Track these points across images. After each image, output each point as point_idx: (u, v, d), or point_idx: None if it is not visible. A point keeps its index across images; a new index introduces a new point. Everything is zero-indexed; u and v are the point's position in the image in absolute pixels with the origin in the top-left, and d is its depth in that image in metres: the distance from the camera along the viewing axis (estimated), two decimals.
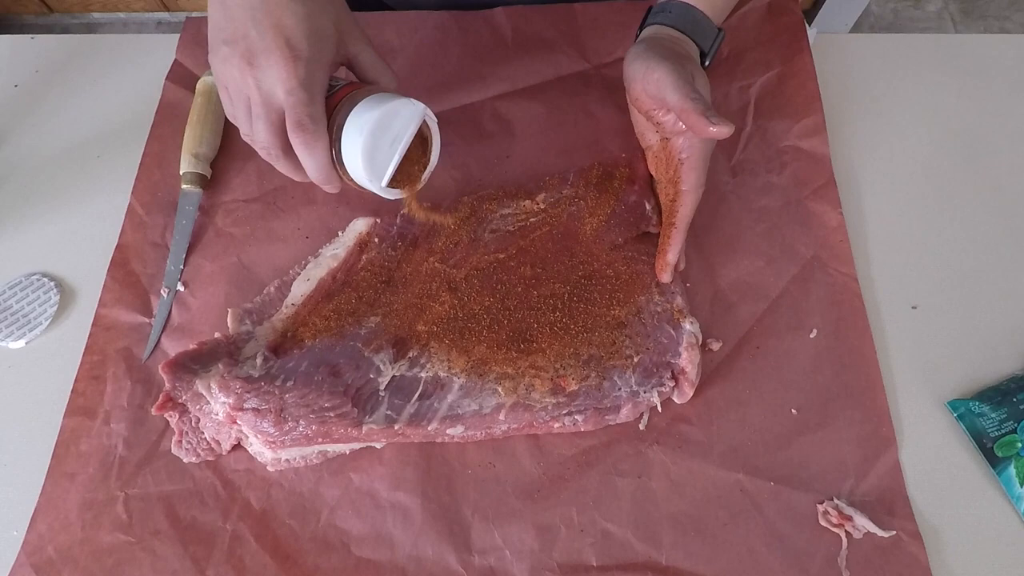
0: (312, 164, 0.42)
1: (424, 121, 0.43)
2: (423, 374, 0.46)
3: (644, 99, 0.49)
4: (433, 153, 0.45)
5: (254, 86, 0.41)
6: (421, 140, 0.44)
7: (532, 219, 0.52)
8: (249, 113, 0.43)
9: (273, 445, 0.45)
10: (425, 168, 0.45)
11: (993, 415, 0.47)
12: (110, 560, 0.45)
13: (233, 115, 0.44)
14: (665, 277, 0.51)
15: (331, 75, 0.44)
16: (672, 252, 0.50)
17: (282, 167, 0.45)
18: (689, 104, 0.45)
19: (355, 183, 0.44)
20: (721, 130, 0.44)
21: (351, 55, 0.45)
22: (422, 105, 0.42)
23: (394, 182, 0.43)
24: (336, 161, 0.43)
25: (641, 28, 0.53)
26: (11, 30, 1.67)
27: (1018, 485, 0.45)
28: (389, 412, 0.45)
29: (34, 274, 0.55)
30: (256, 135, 0.43)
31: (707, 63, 0.52)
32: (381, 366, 0.46)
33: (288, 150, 0.43)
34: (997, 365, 0.50)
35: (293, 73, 0.40)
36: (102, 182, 0.59)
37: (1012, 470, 0.45)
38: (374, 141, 0.41)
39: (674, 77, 0.46)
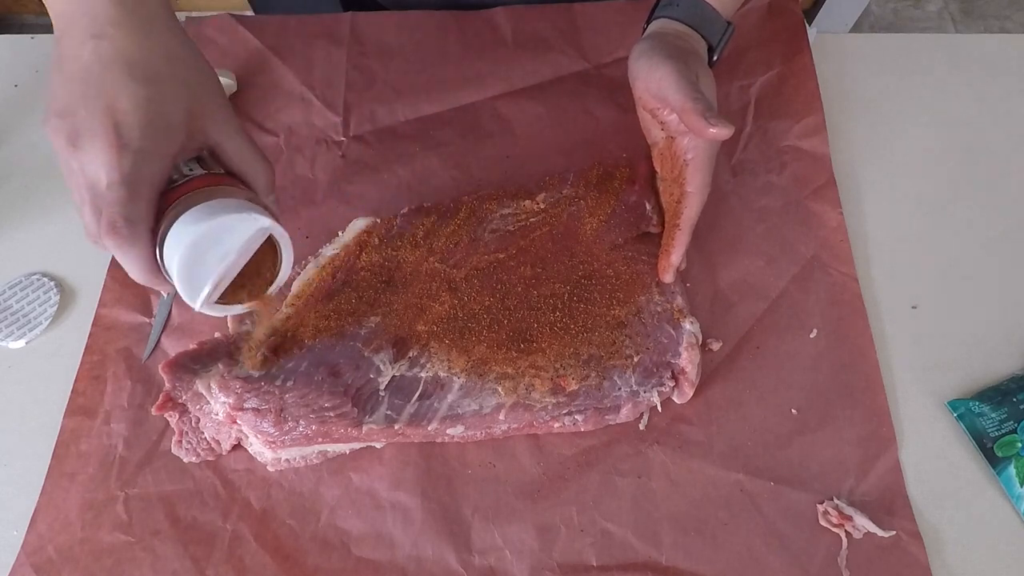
0: (128, 268, 0.37)
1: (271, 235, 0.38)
2: (423, 374, 0.46)
3: (647, 98, 0.49)
4: (282, 270, 0.40)
5: (78, 169, 0.37)
6: (272, 250, 0.39)
7: (532, 219, 0.52)
8: (78, 189, 0.38)
9: (273, 445, 0.45)
10: (271, 283, 0.40)
11: (993, 415, 0.47)
12: (110, 560, 0.45)
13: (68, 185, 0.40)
14: (668, 277, 0.50)
15: (184, 161, 0.39)
16: (676, 253, 0.50)
17: (103, 249, 0.38)
18: (690, 104, 0.44)
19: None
20: (720, 131, 0.44)
21: (214, 143, 0.40)
22: (266, 221, 0.37)
23: (233, 296, 0.39)
24: (161, 266, 0.38)
25: (648, 21, 0.52)
26: (11, 30, 1.67)
27: (1018, 485, 0.45)
28: (389, 412, 0.45)
29: (34, 274, 0.55)
30: (82, 218, 0.38)
31: (715, 58, 0.51)
32: (381, 366, 0.46)
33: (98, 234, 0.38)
34: (997, 365, 0.50)
35: (116, 165, 0.36)
36: None
37: (1012, 470, 0.45)
38: (195, 256, 0.36)
39: (676, 76, 0.45)
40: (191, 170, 0.39)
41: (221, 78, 0.59)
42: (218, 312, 0.39)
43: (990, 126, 0.60)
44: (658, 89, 0.47)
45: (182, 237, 0.36)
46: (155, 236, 0.37)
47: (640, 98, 0.49)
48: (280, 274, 0.40)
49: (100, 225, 0.36)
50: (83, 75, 0.37)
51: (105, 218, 0.36)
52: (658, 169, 0.53)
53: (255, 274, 0.40)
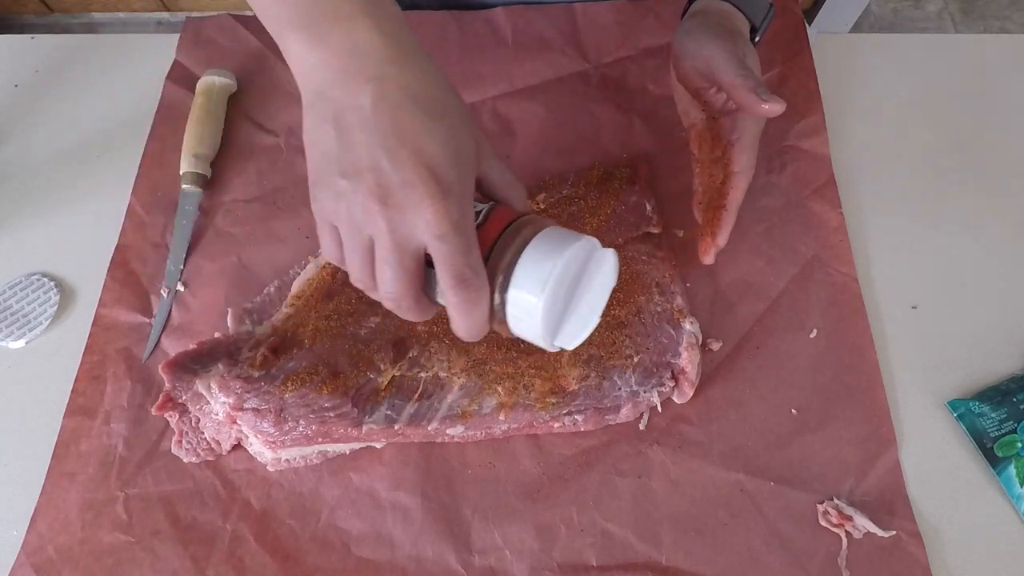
0: (469, 323, 0.34)
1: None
2: (423, 374, 0.46)
3: (693, 76, 0.48)
4: (613, 281, 0.37)
5: (386, 229, 0.33)
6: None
7: None
8: (368, 258, 0.34)
9: (273, 445, 0.45)
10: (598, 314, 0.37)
11: (993, 415, 0.47)
12: (110, 560, 0.45)
13: (339, 258, 0.36)
14: (709, 259, 0.49)
15: None
16: (723, 235, 0.49)
17: (410, 316, 0.36)
18: (740, 81, 0.44)
19: (510, 334, 0.36)
20: (773, 107, 0.44)
21: (484, 172, 0.37)
22: (611, 251, 0.35)
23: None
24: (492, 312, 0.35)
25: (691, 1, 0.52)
26: (11, 30, 1.67)
27: (1018, 485, 0.45)
28: (389, 412, 0.45)
29: (34, 274, 0.55)
30: (383, 285, 0.34)
31: (757, 39, 0.51)
32: (381, 366, 0.46)
33: (420, 299, 0.35)
34: (997, 365, 0.50)
35: (444, 214, 0.32)
36: (102, 182, 0.59)
37: (1012, 470, 0.45)
38: (554, 296, 0.33)
39: (726, 55, 0.45)
40: (477, 204, 0.36)
41: (221, 78, 0.60)
42: (555, 347, 0.36)
43: (990, 126, 0.60)
44: (706, 67, 0.46)
45: (542, 278, 0.32)
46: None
47: (686, 76, 0.49)
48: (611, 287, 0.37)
49: (411, 285, 0.34)
50: (373, 123, 0.32)
51: (450, 274, 0.32)
52: (695, 151, 0.52)
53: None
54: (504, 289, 0.34)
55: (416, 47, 0.34)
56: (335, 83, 0.33)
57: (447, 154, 0.33)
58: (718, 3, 0.50)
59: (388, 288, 0.34)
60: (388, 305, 0.35)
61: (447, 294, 0.33)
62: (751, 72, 0.45)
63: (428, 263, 0.34)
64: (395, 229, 0.33)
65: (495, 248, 0.34)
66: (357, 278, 0.36)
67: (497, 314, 0.35)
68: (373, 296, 0.36)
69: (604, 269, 0.35)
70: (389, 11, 0.34)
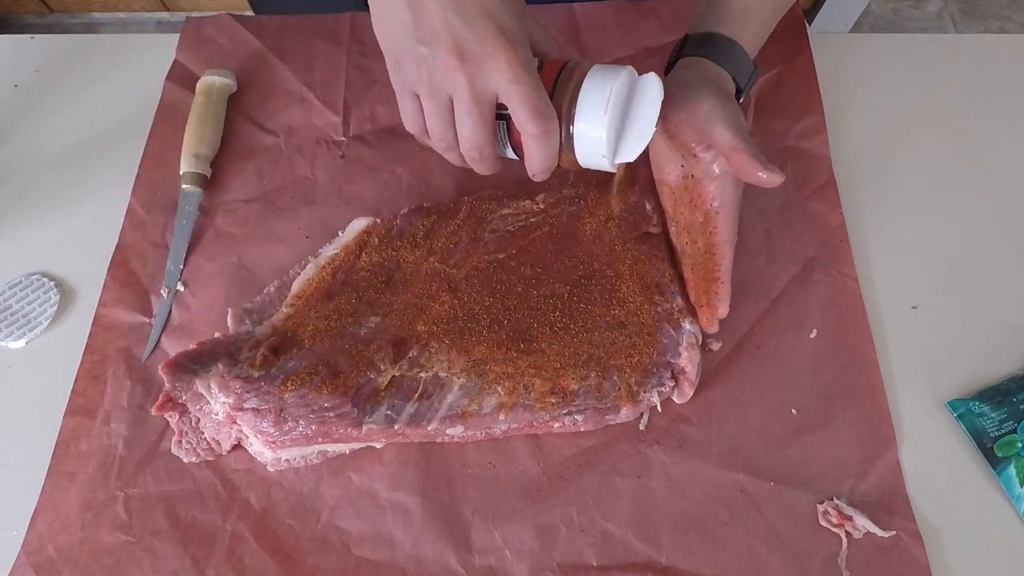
0: (545, 154, 0.39)
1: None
2: (423, 374, 0.46)
3: (686, 130, 0.46)
4: (654, 112, 0.40)
5: (465, 83, 0.37)
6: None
7: (532, 219, 0.52)
8: (449, 116, 0.39)
9: (273, 445, 0.45)
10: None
11: (993, 415, 0.47)
12: (110, 560, 0.45)
13: (420, 126, 0.41)
14: (713, 328, 0.49)
15: None
16: (724, 306, 0.48)
17: (483, 167, 0.42)
18: (741, 145, 0.43)
19: (577, 164, 0.42)
20: (773, 178, 0.42)
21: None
22: (652, 74, 0.40)
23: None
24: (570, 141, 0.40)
25: (677, 55, 0.50)
26: (11, 30, 1.67)
27: (1018, 485, 0.45)
28: (389, 412, 0.45)
29: (34, 274, 0.55)
30: (465, 138, 0.40)
31: (741, 100, 0.50)
32: (381, 366, 0.46)
33: (495, 149, 0.41)
34: (997, 365, 0.50)
35: (516, 61, 0.36)
36: (102, 182, 0.59)
37: (1012, 470, 0.45)
38: (612, 117, 0.38)
39: (725, 113, 0.44)
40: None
41: (221, 78, 0.60)
42: (614, 166, 0.41)
43: (990, 126, 0.60)
44: (703, 123, 0.44)
45: (602, 102, 0.38)
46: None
47: (677, 128, 0.46)
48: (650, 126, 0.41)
49: (488, 132, 0.39)
50: None
51: (527, 110, 0.37)
52: (668, 210, 0.51)
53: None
54: (570, 120, 0.39)
55: None
56: None
57: (508, 10, 0.37)
58: (706, 62, 0.48)
59: (470, 139, 0.39)
60: (469, 158, 0.41)
61: (526, 128, 0.38)
62: (749, 136, 0.44)
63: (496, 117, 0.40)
64: (472, 82, 0.37)
65: (556, 88, 0.39)
66: (439, 137, 0.40)
67: (564, 146, 0.40)
68: (451, 157, 0.42)
69: (650, 90, 0.40)
70: None
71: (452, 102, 0.39)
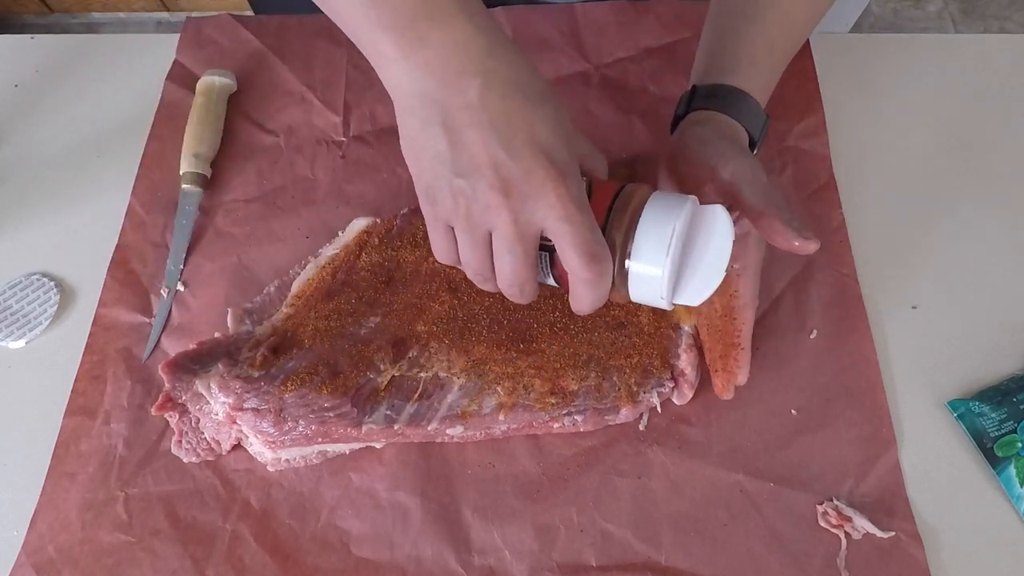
0: (595, 296, 0.35)
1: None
2: (423, 374, 0.46)
3: (709, 193, 0.42)
4: (725, 251, 0.37)
5: (509, 220, 0.33)
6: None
7: None
8: (488, 251, 0.36)
9: (273, 445, 0.45)
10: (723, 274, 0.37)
11: (993, 415, 0.47)
12: (110, 560, 0.45)
13: (454, 258, 0.37)
14: (728, 395, 0.46)
15: None
16: (743, 373, 0.45)
17: (522, 300, 0.38)
18: (773, 209, 0.39)
19: (629, 299, 0.38)
20: (807, 245, 0.39)
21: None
22: (719, 206, 0.36)
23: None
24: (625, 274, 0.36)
25: (687, 108, 0.47)
26: (11, 30, 1.67)
27: (1018, 485, 0.45)
28: (389, 412, 0.45)
29: (34, 274, 0.55)
30: (505, 276, 0.36)
31: (755, 152, 0.47)
32: (381, 366, 0.46)
33: (535, 283, 0.37)
34: (997, 365, 0.50)
35: (567, 196, 0.33)
36: (102, 182, 0.59)
37: (1012, 470, 0.45)
38: (674, 258, 0.35)
39: (751, 174, 0.40)
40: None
41: (221, 78, 0.60)
42: (696, 301, 0.37)
43: (990, 126, 0.60)
44: (728, 186, 0.41)
45: (663, 240, 0.34)
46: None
47: (697, 189, 0.42)
48: (724, 263, 0.37)
49: (531, 270, 0.35)
50: (485, 118, 0.33)
51: (579, 253, 0.33)
52: None
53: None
54: (625, 255, 0.35)
55: (506, 38, 0.35)
56: (440, 83, 0.33)
57: (558, 137, 0.33)
58: (718, 115, 0.45)
59: (510, 276, 0.36)
60: (507, 292, 0.37)
61: (577, 272, 0.34)
62: (781, 198, 0.40)
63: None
64: (517, 219, 0.33)
65: (609, 217, 0.35)
66: (476, 271, 0.37)
67: (616, 282, 0.36)
68: (486, 288, 0.38)
69: (719, 224, 0.36)
70: (478, 5, 0.34)
71: (491, 235, 0.35)
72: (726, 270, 0.36)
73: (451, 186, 0.34)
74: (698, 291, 0.36)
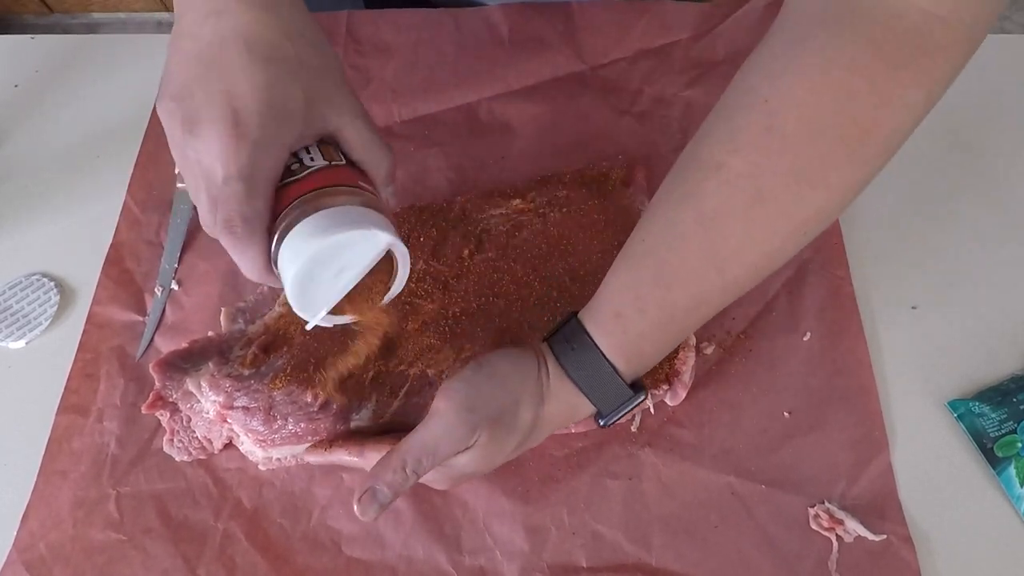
0: (241, 267, 0.35)
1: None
2: (411, 371, 0.46)
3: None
4: (396, 284, 0.37)
5: (194, 157, 0.34)
6: (387, 261, 0.36)
7: (524, 219, 0.52)
8: (193, 177, 0.35)
9: (263, 443, 0.45)
10: (384, 295, 0.37)
11: (993, 415, 0.47)
12: (101, 558, 0.45)
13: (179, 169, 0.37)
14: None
15: (304, 148, 0.36)
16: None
17: (219, 237, 0.36)
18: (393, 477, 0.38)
19: None
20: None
21: (333, 128, 0.36)
22: (389, 237, 0.34)
23: (343, 307, 0.37)
24: (275, 265, 0.35)
25: (555, 331, 0.42)
26: (11, 30, 1.68)
27: (1018, 485, 0.45)
28: (376, 409, 0.45)
29: (34, 274, 0.55)
30: (197, 207, 0.35)
31: (602, 423, 0.42)
32: (367, 363, 0.46)
33: (210, 218, 0.35)
34: (997, 365, 0.50)
35: (233, 158, 0.32)
36: (102, 182, 0.59)
37: (1012, 470, 0.45)
38: (313, 273, 0.33)
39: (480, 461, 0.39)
40: (311, 160, 0.36)
41: None
42: (327, 323, 0.37)
43: (990, 126, 0.59)
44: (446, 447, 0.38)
45: (300, 250, 0.32)
46: (270, 235, 0.34)
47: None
48: (394, 288, 0.37)
49: (215, 219, 0.34)
50: (201, 54, 0.33)
51: (221, 215, 0.33)
52: None
53: (366, 286, 0.36)
54: (279, 249, 0.34)
55: (294, 10, 0.35)
56: (188, 9, 0.35)
57: (258, 101, 0.33)
58: (558, 370, 0.41)
59: (200, 210, 0.35)
60: (205, 229, 0.35)
61: (208, 230, 0.34)
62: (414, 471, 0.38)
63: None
64: (199, 160, 0.33)
65: (288, 209, 0.34)
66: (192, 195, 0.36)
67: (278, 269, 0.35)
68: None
69: (369, 258, 0.34)
70: None
71: None
72: (346, 291, 0.35)
73: (164, 103, 0.34)
74: (316, 304, 0.35)
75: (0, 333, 0.52)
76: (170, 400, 0.46)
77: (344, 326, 0.38)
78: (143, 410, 0.46)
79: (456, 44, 0.64)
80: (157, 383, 0.45)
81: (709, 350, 0.50)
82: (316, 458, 0.46)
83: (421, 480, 0.40)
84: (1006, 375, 0.49)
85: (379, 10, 0.66)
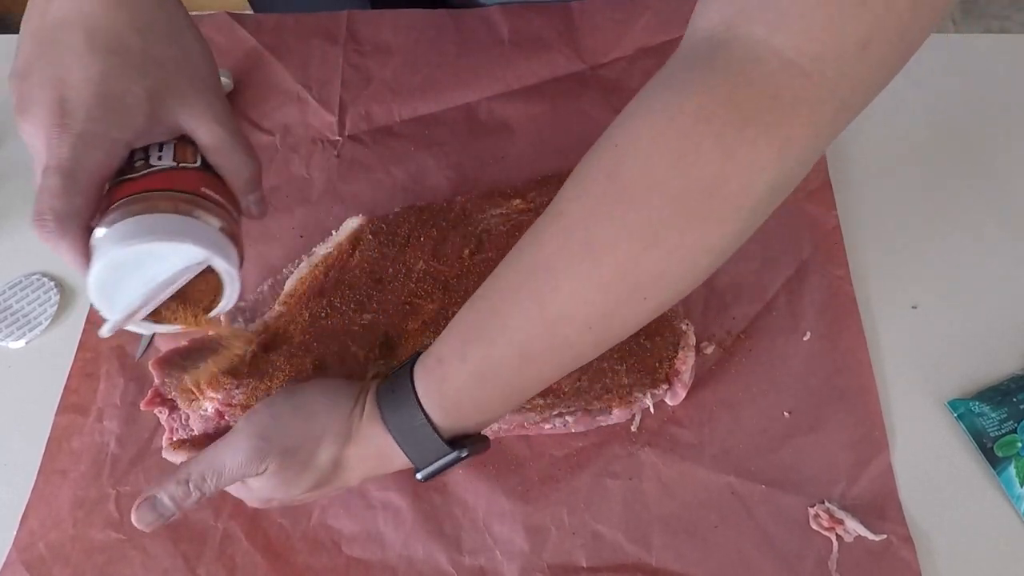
0: (61, 256, 0.33)
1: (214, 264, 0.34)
2: None
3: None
4: (222, 302, 0.36)
5: (26, 140, 0.33)
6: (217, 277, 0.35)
7: (524, 219, 0.52)
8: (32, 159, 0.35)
9: None
10: (210, 311, 0.37)
11: (993, 415, 0.47)
12: (101, 558, 0.45)
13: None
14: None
15: (157, 146, 0.35)
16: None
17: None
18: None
19: None
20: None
21: (189, 129, 0.35)
22: (203, 253, 0.32)
23: (170, 314, 0.36)
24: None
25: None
26: (11, 30, 1.68)
27: (1018, 485, 0.45)
28: None
29: (34, 274, 0.55)
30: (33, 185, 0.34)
31: (418, 477, 0.38)
32: (367, 364, 0.46)
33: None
34: (997, 365, 0.50)
35: (55, 149, 0.31)
36: None
37: (1012, 470, 0.45)
38: (114, 278, 0.32)
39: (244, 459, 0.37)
40: (159, 159, 0.34)
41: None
42: (145, 330, 0.36)
43: (990, 126, 0.59)
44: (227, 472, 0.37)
45: (103, 252, 0.32)
46: (88, 232, 0.33)
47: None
48: (219, 305, 0.36)
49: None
50: (42, 35, 0.32)
51: (35, 207, 0.31)
52: None
53: (199, 295, 0.36)
54: (93, 250, 0.33)
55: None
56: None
57: (87, 92, 0.32)
58: (373, 409, 0.38)
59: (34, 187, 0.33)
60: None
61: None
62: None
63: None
64: (30, 144, 0.33)
65: (112, 207, 0.33)
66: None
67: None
68: None
69: (177, 269, 0.33)
70: None
71: None
72: (152, 304, 0.34)
73: (11, 79, 0.33)
74: (111, 312, 0.34)
75: (0, 333, 0.52)
76: (168, 397, 0.46)
77: (176, 335, 0.38)
78: (141, 406, 0.46)
79: (456, 44, 0.64)
80: (156, 380, 0.45)
81: (709, 350, 0.50)
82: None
83: (234, 494, 0.39)
84: (1006, 375, 0.49)
85: (379, 10, 0.66)
